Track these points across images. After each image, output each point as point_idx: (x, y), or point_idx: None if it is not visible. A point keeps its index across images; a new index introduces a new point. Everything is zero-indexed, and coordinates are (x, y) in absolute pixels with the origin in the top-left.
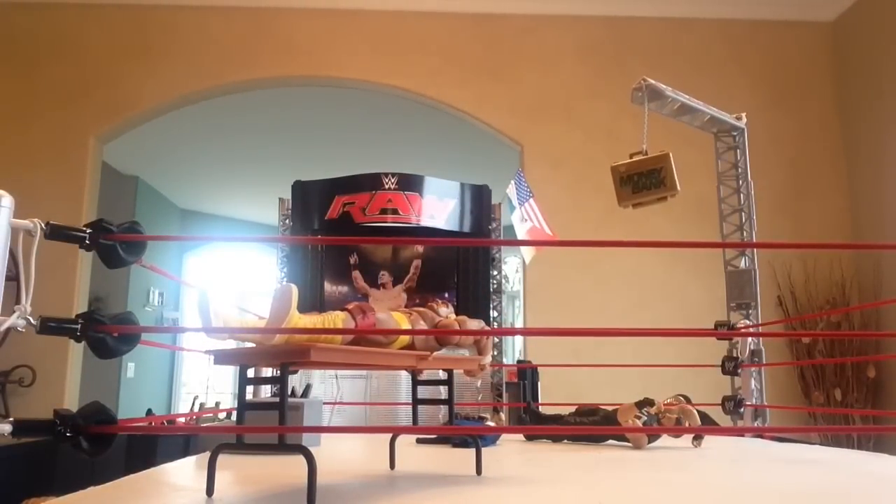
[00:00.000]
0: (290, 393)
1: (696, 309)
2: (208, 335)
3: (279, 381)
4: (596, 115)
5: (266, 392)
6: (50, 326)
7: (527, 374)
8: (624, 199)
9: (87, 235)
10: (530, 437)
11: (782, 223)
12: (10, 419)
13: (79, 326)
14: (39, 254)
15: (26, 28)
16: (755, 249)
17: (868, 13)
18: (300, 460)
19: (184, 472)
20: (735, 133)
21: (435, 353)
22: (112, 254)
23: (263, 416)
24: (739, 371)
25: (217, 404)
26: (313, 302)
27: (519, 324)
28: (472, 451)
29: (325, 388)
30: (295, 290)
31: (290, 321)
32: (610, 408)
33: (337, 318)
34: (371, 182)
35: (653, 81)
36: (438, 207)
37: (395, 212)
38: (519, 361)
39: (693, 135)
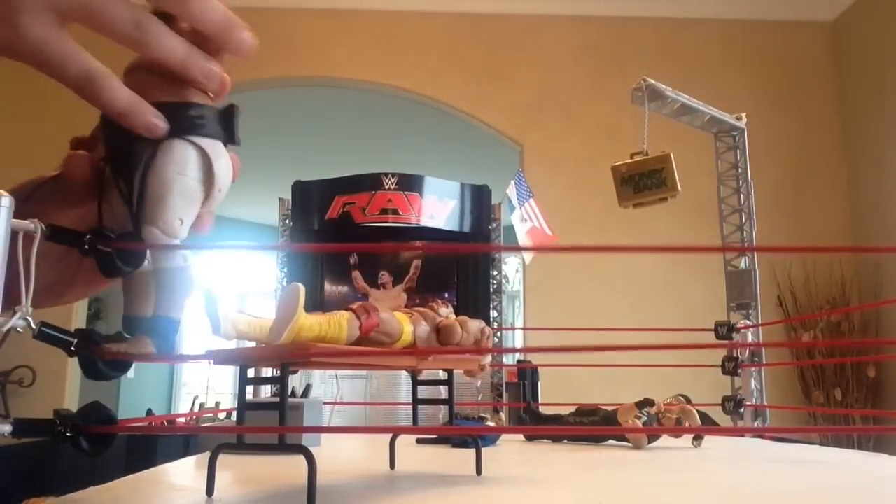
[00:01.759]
0: (290, 393)
1: (696, 309)
2: (216, 334)
3: (279, 381)
4: (596, 115)
5: (266, 392)
6: (47, 333)
7: (527, 374)
8: (624, 199)
9: (87, 240)
10: (530, 437)
11: (782, 223)
12: (10, 419)
13: (74, 341)
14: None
15: None
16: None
17: (868, 13)
18: (300, 460)
19: (184, 472)
20: (735, 133)
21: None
22: (108, 262)
23: (263, 416)
24: (739, 371)
25: (217, 404)
26: (314, 302)
27: (519, 323)
28: (472, 451)
29: (325, 388)
30: (303, 289)
31: (298, 321)
32: (610, 408)
33: (342, 318)
34: (371, 182)
35: (653, 82)
36: (438, 207)
37: (395, 212)
38: (519, 362)
39: (693, 135)
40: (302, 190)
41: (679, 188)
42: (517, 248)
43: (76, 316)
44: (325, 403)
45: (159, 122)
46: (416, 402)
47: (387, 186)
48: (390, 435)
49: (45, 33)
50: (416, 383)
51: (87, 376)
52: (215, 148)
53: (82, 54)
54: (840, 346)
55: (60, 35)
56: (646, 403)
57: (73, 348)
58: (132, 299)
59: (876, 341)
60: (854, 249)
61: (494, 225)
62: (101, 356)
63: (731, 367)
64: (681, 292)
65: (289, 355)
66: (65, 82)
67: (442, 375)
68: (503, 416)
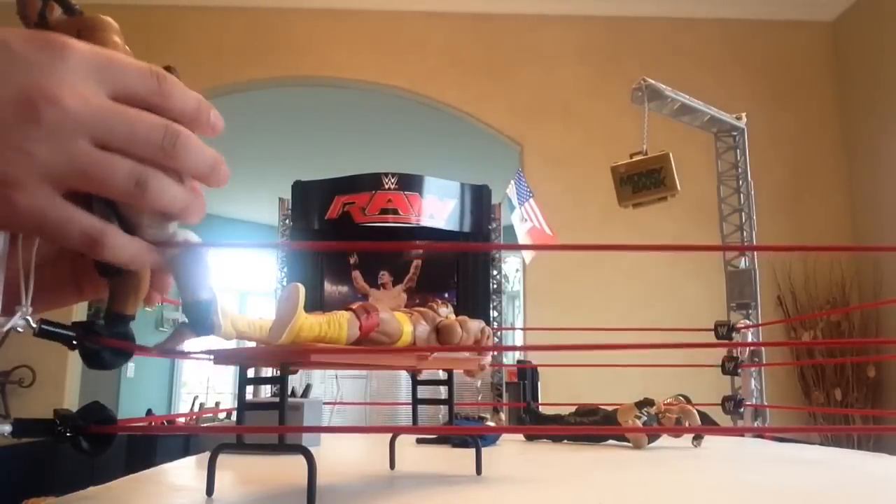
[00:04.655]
0: (290, 393)
1: (696, 309)
2: (215, 334)
3: (279, 381)
4: (596, 115)
5: (266, 392)
6: (48, 331)
7: (527, 374)
8: (624, 199)
9: None
10: (530, 437)
11: (782, 223)
12: (10, 419)
13: (75, 335)
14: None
15: None
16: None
17: (868, 13)
18: (300, 460)
19: (184, 472)
20: (735, 133)
21: (435, 353)
22: (104, 262)
23: (263, 416)
24: (739, 371)
25: (217, 404)
26: (314, 302)
27: (519, 323)
28: (472, 451)
29: (325, 388)
30: (302, 289)
31: (298, 321)
32: (610, 408)
33: (342, 318)
34: (371, 182)
35: (653, 81)
36: (438, 207)
37: (395, 212)
38: (519, 362)
39: (693, 135)
40: (302, 190)
41: (678, 188)
42: (517, 247)
43: (76, 316)
44: (325, 403)
45: (159, 257)
46: (416, 402)
47: (387, 186)
48: (390, 435)
49: (41, 206)
50: (415, 383)
51: (91, 367)
52: None
53: (80, 216)
54: (840, 345)
55: (56, 204)
56: (646, 403)
57: (74, 342)
58: (116, 297)
59: (876, 341)
60: (854, 248)
61: (494, 225)
62: (105, 346)
63: (731, 367)
64: (681, 292)
65: (289, 355)
66: (68, 246)
67: (442, 375)
68: (503, 416)
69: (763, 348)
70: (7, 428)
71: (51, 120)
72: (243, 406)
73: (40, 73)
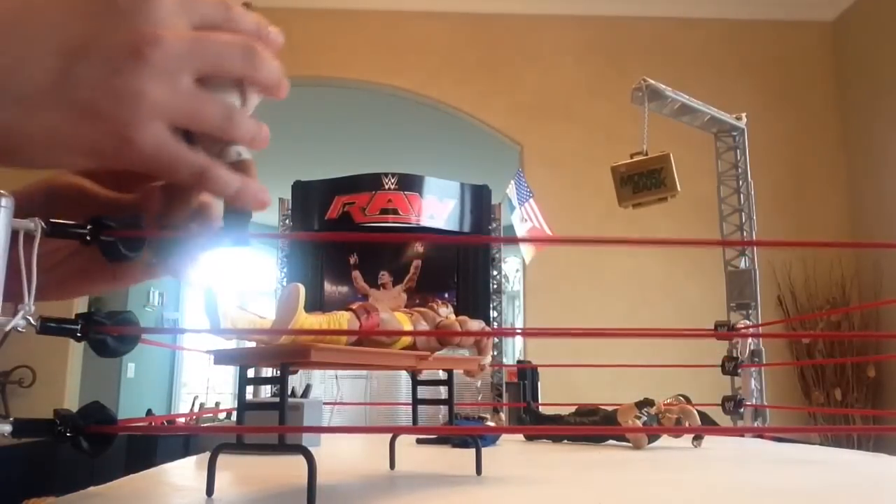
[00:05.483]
0: (290, 393)
1: (696, 309)
2: (217, 336)
3: (279, 381)
4: (596, 115)
5: (266, 392)
6: (50, 327)
7: (527, 374)
8: (624, 200)
9: (88, 231)
10: (530, 437)
11: (782, 223)
12: (10, 419)
13: (79, 327)
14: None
15: None
16: (755, 249)
17: (868, 13)
18: (300, 460)
19: (184, 472)
20: (735, 133)
21: (435, 354)
22: (112, 250)
23: (263, 416)
24: (739, 371)
25: (217, 404)
26: (314, 302)
27: (519, 324)
28: (472, 451)
29: (325, 388)
30: (302, 289)
31: (297, 321)
32: (610, 408)
33: (342, 318)
34: (371, 182)
35: (653, 81)
36: (438, 208)
37: (395, 212)
38: (519, 362)
39: (693, 135)
40: (302, 190)
41: (678, 188)
42: (516, 240)
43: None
44: (325, 403)
45: (266, 197)
46: (416, 402)
47: (387, 186)
48: (390, 435)
49: (156, 144)
50: (415, 383)
51: (100, 354)
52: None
53: (189, 155)
54: (840, 345)
55: (170, 140)
56: (646, 403)
57: (79, 334)
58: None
59: (877, 335)
60: (855, 245)
61: (494, 225)
62: (110, 333)
63: (731, 367)
64: (680, 292)
65: (289, 355)
66: (175, 181)
67: (442, 375)
68: (503, 416)
69: (763, 349)
70: (7, 428)
71: (156, 60)
72: (243, 406)
73: (137, 18)
